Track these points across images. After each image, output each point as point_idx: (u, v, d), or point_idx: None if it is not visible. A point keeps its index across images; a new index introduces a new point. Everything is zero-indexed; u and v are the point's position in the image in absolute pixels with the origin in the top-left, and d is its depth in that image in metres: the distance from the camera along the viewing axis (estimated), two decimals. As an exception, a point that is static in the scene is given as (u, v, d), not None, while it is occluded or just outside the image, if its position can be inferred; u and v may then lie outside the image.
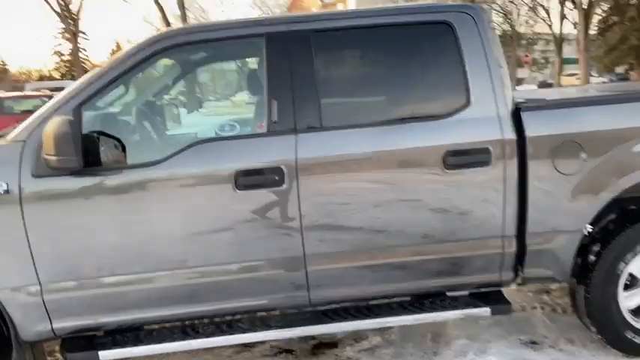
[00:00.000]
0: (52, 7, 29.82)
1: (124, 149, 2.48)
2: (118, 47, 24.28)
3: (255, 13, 52.78)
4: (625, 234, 2.73)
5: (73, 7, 31.19)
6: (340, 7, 65.05)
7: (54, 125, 2.17)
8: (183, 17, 23.97)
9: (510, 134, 2.58)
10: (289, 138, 2.48)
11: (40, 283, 2.41)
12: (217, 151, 2.47)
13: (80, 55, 66.24)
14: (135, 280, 2.48)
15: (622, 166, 2.65)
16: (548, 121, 2.65)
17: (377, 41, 2.72)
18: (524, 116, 2.61)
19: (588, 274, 2.75)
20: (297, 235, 2.51)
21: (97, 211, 2.40)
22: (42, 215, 2.37)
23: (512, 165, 2.59)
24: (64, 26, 32.32)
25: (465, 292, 2.80)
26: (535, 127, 2.61)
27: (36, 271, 2.40)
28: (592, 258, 2.75)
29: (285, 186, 2.45)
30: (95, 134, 2.42)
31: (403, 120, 2.60)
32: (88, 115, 2.51)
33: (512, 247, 2.68)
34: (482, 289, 2.79)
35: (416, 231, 2.60)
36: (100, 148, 2.37)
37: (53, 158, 2.18)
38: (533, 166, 2.61)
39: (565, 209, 2.66)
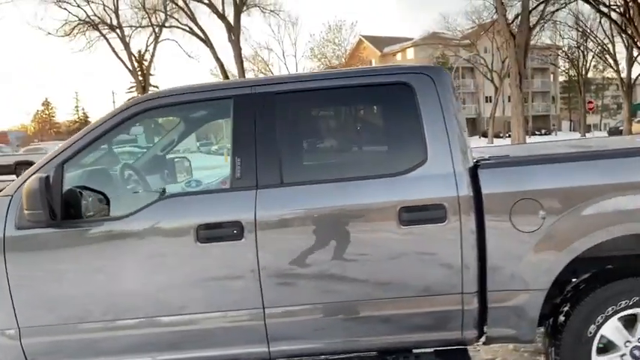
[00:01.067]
0: (124, 64, 32.16)
1: (108, 203, 2.72)
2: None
3: (313, 65, 54.57)
4: (595, 294, 2.64)
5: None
6: (399, 58, 65.94)
7: (28, 182, 2.43)
8: (241, 71, 25.11)
9: (466, 191, 2.61)
10: (250, 194, 2.62)
11: (18, 327, 2.64)
12: (182, 206, 2.65)
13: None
14: (104, 328, 2.65)
15: (582, 224, 2.60)
16: (505, 179, 2.65)
17: (338, 102, 2.86)
18: (481, 174, 2.64)
19: (558, 336, 2.67)
20: (257, 288, 2.61)
21: (68, 260, 2.62)
22: (21, 263, 2.62)
23: (469, 222, 2.61)
24: (134, 81, 34.57)
25: (430, 350, 2.78)
26: (492, 184, 2.62)
27: (15, 315, 2.62)
28: (562, 318, 2.68)
29: (244, 239, 2.58)
30: (79, 189, 2.67)
31: (360, 176, 2.69)
32: (72, 171, 2.77)
33: (473, 305, 2.65)
34: (448, 347, 2.77)
35: (374, 286, 2.64)
36: (81, 202, 2.61)
37: (26, 212, 2.44)
38: (490, 224, 2.61)
39: (525, 267, 2.62)
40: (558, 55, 54.77)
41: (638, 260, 2.88)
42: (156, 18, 31.62)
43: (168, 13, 29.11)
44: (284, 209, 2.62)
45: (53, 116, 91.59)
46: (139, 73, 33.94)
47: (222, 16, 25.48)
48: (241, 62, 24.96)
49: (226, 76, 26.08)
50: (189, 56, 30.25)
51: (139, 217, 2.62)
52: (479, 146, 5.14)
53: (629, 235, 2.63)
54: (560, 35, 48.64)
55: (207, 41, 26.89)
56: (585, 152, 2.88)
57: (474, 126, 64.60)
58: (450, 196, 2.60)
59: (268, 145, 2.68)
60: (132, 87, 61.75)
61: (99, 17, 31.49)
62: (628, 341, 2.64)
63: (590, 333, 2.62)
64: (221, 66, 26.46)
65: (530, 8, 20.67)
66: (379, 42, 68.07)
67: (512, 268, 2.62)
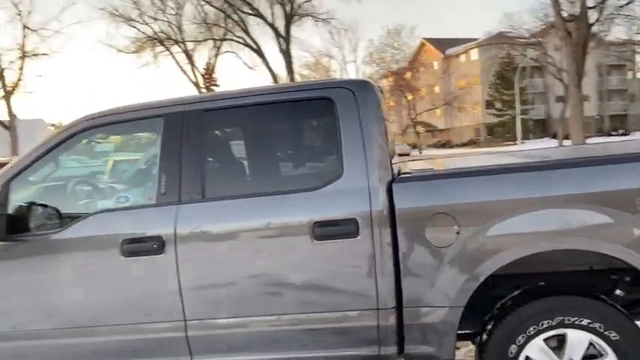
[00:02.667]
0: (188, 77, 33.54)
1: (61, 217, 2.92)
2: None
3: (372, 70, 54.36)
4: (516, 313, 2.54)
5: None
6: (462, 60, 64.35)
7: None
8: (292, 80, 25.47)
9: (379, 206, 2.59)
10: (172, 209, 2.73)
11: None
12: (109, 220, 2.81)
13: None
14: (44, 335, 2.84)
15: (497, 240, 2.51)
16: (420, 193, 2.61)
17: (263, 118, 2.91)
18: (395, 188, 2.61)
19: (482, 355, 2.60)
20: (178, 300, 2.71)
21: (12, 271, 2.84)
22: None
23: (383, 237, 2.59)
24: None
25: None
26: (405, 199, 2.59)
27: None
28: (485, 337, 2.60)
29: (165, 253, 2.70)
30: (27, 204, 2.88)
31: (278, 191, 2.73)
32: (21, 187, 2.98)
33: (389, 321, 2.62)
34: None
35: (290, 301, 2.67)
36: (29, 217, 2.82)
37: None
38: (404, 239, 2.58)
39: (441, 284, 2.56)
40: (635, 51, 51.51)
41: (568, 277, 2.75)
42: (217, 31, 32.73)
43: (226, 27, 30.02)
44: (203, 224, 2.72)
45: None
46: (203, 85, 35.22)
47: (272, 26, 26.02)
48: (292, 71, 25.35)
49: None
50: (249, 67, 30.94)
51: (71, 230, 2.80)
52: (530, 149, 4.93)
53: (556, 251, 2.52)
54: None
55: (259, 52, 27.59)
56: (502, 165, 2.77)
57: (544, 127, 61.88)
58: (363, 211, 2.59)
59: (193, 161, 2.78)
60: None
61: (165, 33, 33.03)
62: (555, 363, 2.52)
63: (512, 353, 2.52)
64: (273, 76, 27.03)
65: (590, 5, 19.66)
66: (442, 44, 66.80)
67: (427, 285, 2.58)
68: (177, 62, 33.20)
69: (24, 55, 28.16)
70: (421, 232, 2.56)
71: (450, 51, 66.80)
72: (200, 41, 32.34)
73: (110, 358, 2.81)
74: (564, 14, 20.51)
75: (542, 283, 2.74)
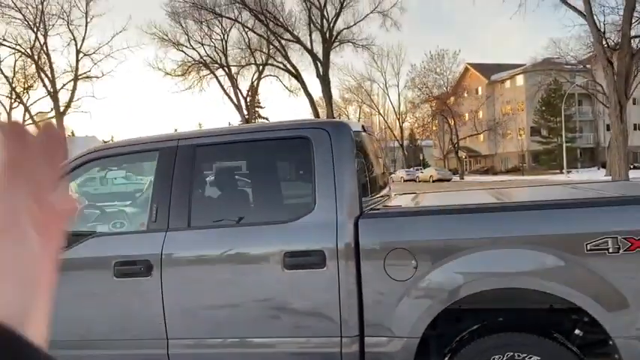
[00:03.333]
0: (231, 99, 34.57)
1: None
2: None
3: (414, 95, 54.30)
4: (470, 347, 2.67)
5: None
6: (508, 85, 63.55)
7: None
8: (329, 104, 25.89)
9: (345, 239, 2.79)
10: (160, 235, 3.01)
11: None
12: (105, 244, 3.11)
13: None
14: None
15: (451, 277, 2.66)
16: (382, 229, 2.80)
17: (248, 154, 3.18)
18: (360, 223, 2.81)
19: (439, 386, 2.73)
20: (161, 320, 2.97)
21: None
22: None
23: (348, 269, 2.78)
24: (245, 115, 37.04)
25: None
26: (369, 234, 2.78)
27: None
28: (442, 367, 2.74)
29: (151, 277, 2.97)
30: None
31: (256, 222, 2.98)
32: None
33: (352, 349, 2.79)
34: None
35: (261, 325, 2.89)
36: None
37: None
38: (366, 271, 2.76)
39: (398, 315, 2.72)
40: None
41: (530, 315, 2.85)
42: (260, 56, 33.73)
43: (268, 52, 30.93)
44: (186, 250, 2.98)
45: None
46: (245, 107, 36.21)
47: (310, 52, 26.66)
48: (330, 95, 25.81)
49: (316, 110, 27.14)
50: (290, 91, 31.56)
51: (73, 251, 3.11)
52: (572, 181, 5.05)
53: (507, 289, 2.65)
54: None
55: (298, 77, 28.23)
56: (458, 206, 2.91)
57: (592, 156, 60.12)
58: (329, 244, 2.80)
59: (182, 192, 3.06)
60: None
61: (210, 57, 34.27)
62: (508, 397, 2.62)
63: (466, 385, 2.65)
64: (311, 100, 27.61)
65: (633, 35, 19.29)
66: (486, 69, 66.24)
67: (386, 315, 2.75)
68: (222, 85, 34.33)
69: (76, 78, 29.80)
70: (382, 265, 2.74)
71: (495, 76, 66.16)
72: (243, 66, 33.40)
73: None
74: (610, 42, 20.22)
75: (501, 319, 2.86)
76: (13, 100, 30.55)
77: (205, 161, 3.16)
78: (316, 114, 27.20)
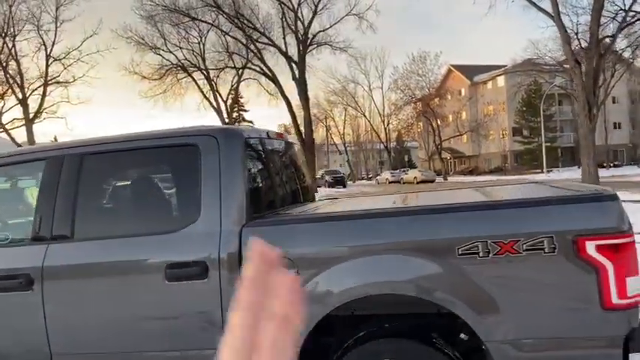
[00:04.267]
0: (210, 104, 34.40)
1: None
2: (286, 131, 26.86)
3: (397, 97, 54.52)
4: (351, 353, 2.65)
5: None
6: (490, 86, 64.02)
7: None
8: (307, 107, 25.82)
9: (229, 249, 2.74)
10: (42, 247, 2.95)
11: None
12: None
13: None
14: None
15: (329, 284, 2.63)
16: (265, 238, 2.75)
17: (136, 163, 3.13)
18: (244, 232, 2.76)
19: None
20: (44, 334, 2.90)
21: None
22: None
23: (231, 279, 2.73)
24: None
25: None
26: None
27: None
28: (331, 375, 2.70)
29: (32, 291, 2.89)
30: None
31: (139, 233, 2.92)
32: None
33: (235, 359, 2.74)
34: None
35: (144, 337, 2.83)
36: None
37: None
38: (248, 280, 2.72)
39: (279, 324, 2.68)
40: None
41: (418, 320, 2.83)
42: (240, 60, 33.62)
43: (246, 55, 30.88)
44: (67, 263, 2.92)
45: None
46: (225, 111, 36.12)
47: (285, 55, 26.66)
48: (306, 99, 25.83)
49: (293, 114, 27.13)
50: (270, 94, 31.48)
51: None
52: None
53: (386, 295, 2.62)
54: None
55: (275, 80, 28.19)
56: (338, 213, 2.90)
57: (573, 155, 60.63)
58: (212, 254, 2.75)
59: (66, 203, 3.00)
60: (230, 123, 65.55)
61: (188, 60, 34.09)
62: (388, 403, 2.60)
63: (349, 391, 2.62)
64: (288, 104, 27.58)
65: (603, 37, 19.50)
66: (469, 70, 66.67)
67: (267, 325, 2.70)
68: (201, 89, 34.16)
69: (46, 83, 29.47)
70: (263, 274, 2.69)
71: (477, 78, 66.62)
72: (221, 69, 33.26)
73: None
74: (583, 43, 20.42)
75: (387, 325, 2.84)
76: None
77: (93, 171, 3.09)
78: (293, 117, 27.20)
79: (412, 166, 71.17)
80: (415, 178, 50.44)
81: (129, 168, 3.20)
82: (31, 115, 28.96)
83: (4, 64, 28.51)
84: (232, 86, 35.98)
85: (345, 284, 2.63)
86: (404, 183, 49.65)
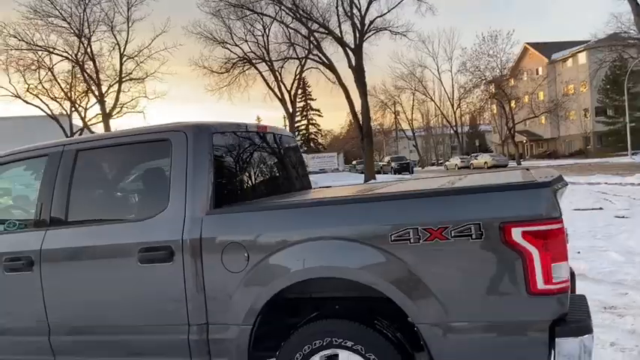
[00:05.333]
0: (275, 94, 35.16)
1: None
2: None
3: (466, 79, 52.66)
4: (298, 333, 2.84)
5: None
6: (570, 64, 60.52)
7: None
8: (364, 94, 25.73)
9: (191, 235, 3.01)
10: (41, 233, 3.35)
11: None
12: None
13: (312, 129, 74.93)
14: None
15: (277, 267, 2.84)
16: (222, 225, 3.00)
17: (118, 157, 3.46)
18: (204, 220, 3.02)
19: (275, 371, 2.91)
20: (42, 309, 3.31)
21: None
22: None
23: (193, 263, 3.00)
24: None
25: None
26: (210, 229, 2.99)
27: None
28: (277, 354, 2.91)
29: (32, 271, 3.31)
30: None
31: (122, 220, 3.26)
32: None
33: (200, 336, 3.01)
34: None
35: (120, 314, 3.18)
36: None
37: None
38: (207, 264, 2.98)
39: (234, 304, 2.92)
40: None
41: (366, 303, 2.96)
42: (302, 50, 34.06)
43: (308, 46, 31.23)
44: (60, 246, 3.30)
45: None
46: (290, 101, 36.84)
47: (341, 43, 26.65)
48: (364, 86, 25.71)
49: (350, 102, 27.21)
50: (332, 82, 31.70)
51: None
52: None
53: (322, 279, 2.79)
54: None
55: (332, 68, 28.34)
56: (287, 202, 3.06)
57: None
58: (176, 239, 3.03)
59: (62, 192, 3.39)
60: (296, 112, 66.71)
61: (254, 53, 35.01)
62: (336, 380, 2.77)
63: (293, 370, 2.81)
64: (345, 91, 27.65)
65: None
66: (546, 48, 63.53)
67: (225, 305, 2.95)
68: (265, 80, 34.99)
69: (121, 80, 31.39)
70: (220, 259, 2.94)
71: (556, 55, 63.28)
72: (284, 59, 33.91)
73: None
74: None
75: (337, 307, 3.00)
76: (71, 108, 32.69)
77: (85, 164, 3.45)
78: (351, 105, 27.28)
79: (485, 150, 69.01)
80: (486, 163, 49.04)
81: (114, 161, 3.54)
82: (107, 111, 30.99)
83: (82, 64, 30.65)
84: (295, 76, 36.56)
85: (288, 268, 2.82)
86: (473, 168, 48.39)
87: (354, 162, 59.11)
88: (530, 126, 64.11)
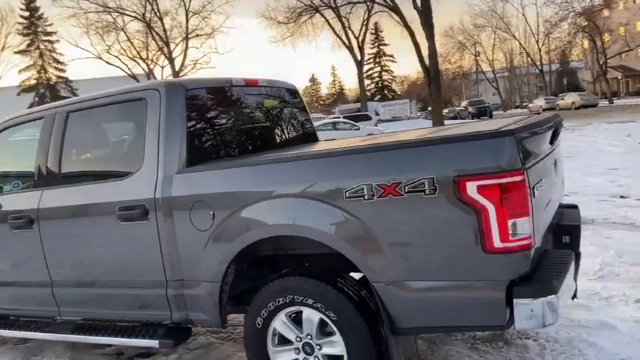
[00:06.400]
0: (342, 41, 34.45)
1: None
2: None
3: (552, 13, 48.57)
4: (263, 289, 2.82)
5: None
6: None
7: None
8: (430, 36, 24.50)
9: (163, 194, 3.02)
10: (38, 192, 3.52)
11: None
12: (4, 201, 3.71)
13: (385, 75, 72.99)
14: None
15: (239, 226, 2.80)
16: (189, 184, 2.99)
17: (101, 117, 3.54)
18: (175, 179, 3.02)
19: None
20: (44, 264, 3.52)
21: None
22: None
23: (165, 221, 3.03)
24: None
25: (167, 323, 3.26)
26: (179, 188, 3.00)
27: None
28: (247, 308, 2.93)
29: (31, 229, 3.50)
30: None
31: (101, 179, 3.37)
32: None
33: (176, 292, 3.07)
34: (181, 325, 3.22)
35: (108, 270, 3.31)
36: None
37: None
38: (178, 222, 3.00)
39: (202, 261, 2.94)
40: None
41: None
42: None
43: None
44: (53, 205, 3.45)
45: (318, 91, 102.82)
46: (358, 48, 36.01)
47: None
48: (430, 28, 24.36)
49: (416, 45, 26.06)
50: (401, 25, 30.36)
51: None
52: None
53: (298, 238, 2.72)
54: None
55: (398, 11, 27.10)
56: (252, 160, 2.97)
57: None
58: (149, 198, 3.06)
59: (55, 153, 3.52)
60: (369, 59, 65.28)
61: (321, 0, 34.26)
62: (299, 337, 2.76)
63: (259, 325, 2.82)
64: (411, 34, 26.47)
65: None
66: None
67: (195, 261, 2.98)
68: (332, 28, 34.28)
69: (187, 37, 31.99)
70: (188, 217, 2.95)
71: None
72: (350, 3, 32.87)
73: (9, 304, 3.79)
74: None
75: (307, 264, 2.94)
76: (148, 67, 33.92)
77: (74, 125, 3.53)
78: (417, 48, 26.02)
79: (576, 89, 64.29)
80: (573, 103, 45.81)
81: (98, 122, 3.61)
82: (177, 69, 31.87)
83: (150, 23, 31.51)
84: (363, 22, 35.52)
85: (248, 227, 2.78)
86: (559, 110, 45.44)
87: (430, 108, 57.39)
88: (625, 60, 58.79)
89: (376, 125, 30.91)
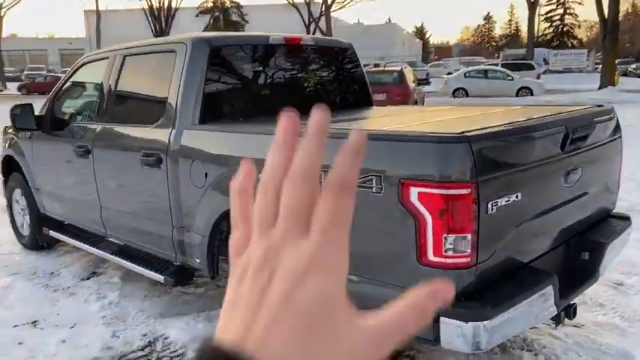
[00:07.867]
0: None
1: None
2: None
3: None
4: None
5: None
6: None
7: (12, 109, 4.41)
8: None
9: (174, 147, 3.21)
10: (95, 126, 3.92)
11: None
12: (75, 131, 4.19)
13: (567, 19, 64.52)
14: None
15: (222, 190, 2.90)
16: (192, 140, 3.13)
17: (140, 65, 3.75)
18: (184, 134, 3.18)
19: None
20: (95, 190, 3.96)
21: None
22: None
23: (174, 172, 3.23)
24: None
25: (177, 263, 3.54)
26: (186, 143, 3.16)
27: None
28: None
29: (87, 159, 3.94)
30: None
31: (137, 123, 3.62)
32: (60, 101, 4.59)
33: (179, 237, 3.31)
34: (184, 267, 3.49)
35: (129, 205, 3.68)
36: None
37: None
38: (182, 176, 3.18)
39: (198, 216, 3.11)
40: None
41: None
42: None
43: None
44: (100, 141, 3.83)
45: (492, 30, 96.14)
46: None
47: None
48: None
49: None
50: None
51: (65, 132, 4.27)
52: None
53: None
54: None
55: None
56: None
57: None
58: (164, 147, 3.27)
59: (110, 92, 3.88)
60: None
61: None
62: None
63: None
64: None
65: None
66: None
67: (193, 214, 3.16)
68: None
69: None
70: (189, 172, 3.12)
71: None
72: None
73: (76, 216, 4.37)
74: None
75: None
76: None
77: (126, 69, 3.80)
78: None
79: None
80: None
81: (142, 69, 3.83)
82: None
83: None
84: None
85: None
86: None
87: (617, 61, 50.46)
88: None
89: (538, 78, 27.37)
